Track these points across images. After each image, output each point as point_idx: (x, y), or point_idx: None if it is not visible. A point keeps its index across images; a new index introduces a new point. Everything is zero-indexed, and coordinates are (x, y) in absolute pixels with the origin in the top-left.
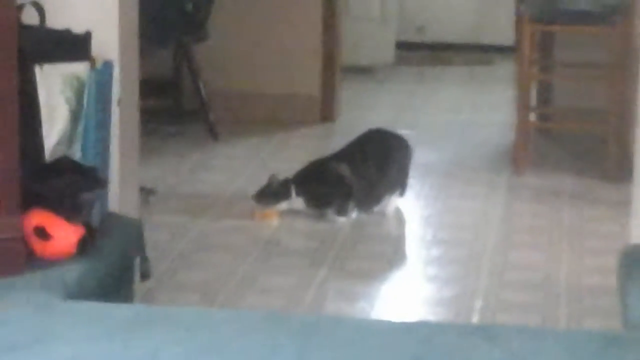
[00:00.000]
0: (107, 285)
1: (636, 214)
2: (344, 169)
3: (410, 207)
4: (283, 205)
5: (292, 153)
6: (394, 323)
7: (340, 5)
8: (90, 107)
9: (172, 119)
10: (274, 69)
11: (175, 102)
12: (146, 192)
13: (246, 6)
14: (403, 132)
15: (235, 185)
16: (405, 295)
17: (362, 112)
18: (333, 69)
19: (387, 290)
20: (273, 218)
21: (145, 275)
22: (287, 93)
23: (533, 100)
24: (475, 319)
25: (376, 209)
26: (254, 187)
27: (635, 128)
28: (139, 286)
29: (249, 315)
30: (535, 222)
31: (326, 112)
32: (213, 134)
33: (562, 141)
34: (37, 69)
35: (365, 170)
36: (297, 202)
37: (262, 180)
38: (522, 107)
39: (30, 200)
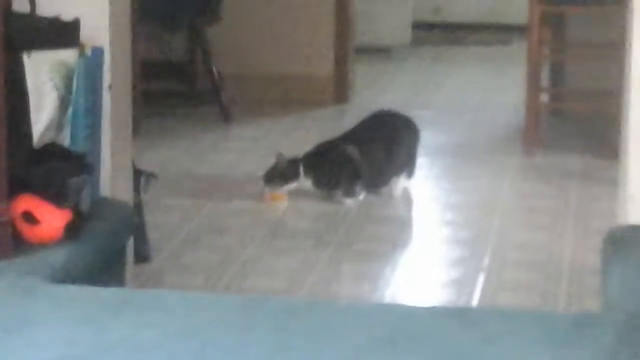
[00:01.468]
0: (96, 269)
1: (623, 195)
2: (353, 151)
3: (419, 188)
4: (292, 186)
5: (304, 134)
6: (370, 305)
7: None
8: (79, 93)
9: (185, 101)
10: (286, 51)
11: (188, 84)
12: (146, 177)
13: None
14: (414, 113)
15: (245, 167)
16: (409, 276)
17: (376, 93)
18: (346, 49)
19: (391, 272)
20: (282, 200)
21: (144, 258)
22: (300, 74)
23: (545, 80)
24: (476, 299)
25: (384, 190)
26: (264, 169)
27: (625, 109)
28: (142, 268)
29: (228, 299)
30: (542, 203)
31: (339, 93)
32: (225, 115)
33: (574, 122)
34: (25, 56)
35: (374, 151)
36: (305, 182)
37: (273, 162)
38: (532, 87)
39: (18, 185)
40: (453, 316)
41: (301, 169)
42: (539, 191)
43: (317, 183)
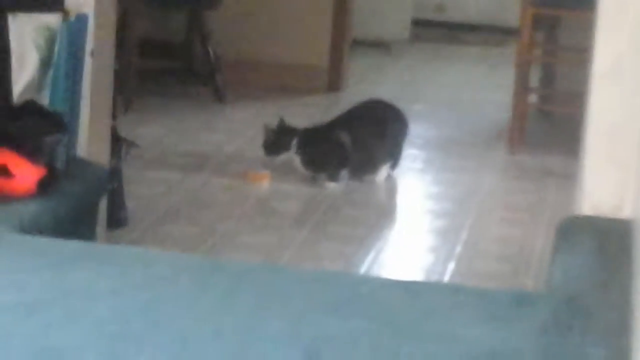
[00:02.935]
0: (65, 225)
1: (579, 188)
2: (345, 137)
3: (402, 177)
4: (284, 156)
5: (295, 120)
6: (324, 273)
7: None
8: (61, 56)
9: (181, 80)
10: (283, 38)
11: (185, 65)
12: (127, 144)
13: None
14: (406, 106)
15: (233, 147)
16: (381, 259)
17: (370, 84)
18: (342, 40)
19: (364, 254)
20: (265, 180)
21: (119, 223)
22: (296, 62)
23: (534, 82)
24: None
25: (368, 177)
26: (251, 150)
27: (585, 108)
28: (119, 235)
29: (186, 258)
30: (519, 199)
31: (333, 83)
32: (219, 96)
33: (561, 123)
34: (10, 17)
35: (363, 139)
36: (295, 157)
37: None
38: (519, 88)
39: None
40: (399, 288)
41: (295, 143)
42: (518, 187)
43: (305, 162)
